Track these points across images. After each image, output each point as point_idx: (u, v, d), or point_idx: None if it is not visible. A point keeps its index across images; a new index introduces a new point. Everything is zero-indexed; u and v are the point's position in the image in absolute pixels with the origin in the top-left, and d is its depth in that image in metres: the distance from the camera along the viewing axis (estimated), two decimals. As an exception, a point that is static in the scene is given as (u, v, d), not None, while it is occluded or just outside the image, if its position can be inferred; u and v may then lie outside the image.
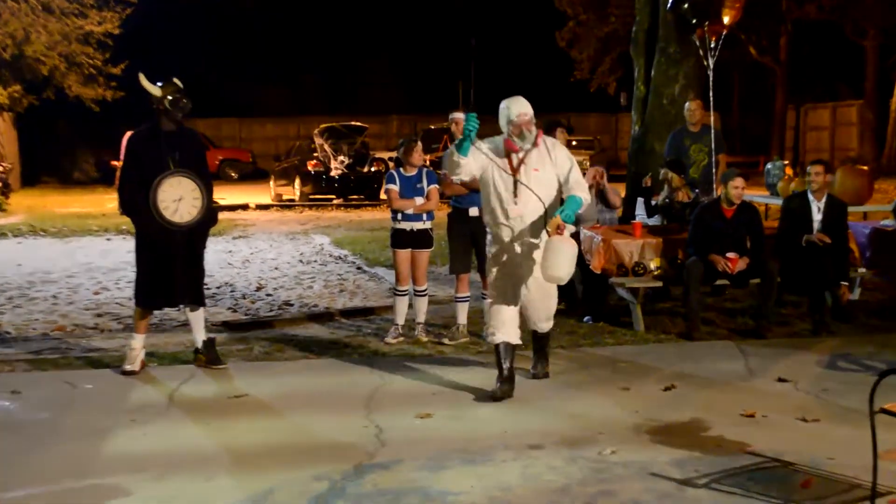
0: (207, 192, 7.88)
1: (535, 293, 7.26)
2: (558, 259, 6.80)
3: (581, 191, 7.01)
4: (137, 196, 7.78)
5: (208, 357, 8.10)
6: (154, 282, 7.88)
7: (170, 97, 7.77)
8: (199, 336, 8.16)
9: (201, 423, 6.60)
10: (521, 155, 7.04)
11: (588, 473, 5.48)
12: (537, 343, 7.67)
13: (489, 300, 7.33)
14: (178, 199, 7.78)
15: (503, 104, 7.08)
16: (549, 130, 11.96)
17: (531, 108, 7.03)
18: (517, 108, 7.01)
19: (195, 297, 8.07)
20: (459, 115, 9.07)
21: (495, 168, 7.08)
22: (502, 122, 7.05)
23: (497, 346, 7.24)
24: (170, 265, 7.85)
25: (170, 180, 7.76)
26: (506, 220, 7.11)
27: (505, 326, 7.20)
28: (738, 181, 9.27)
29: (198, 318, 8.15)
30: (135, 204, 7.81)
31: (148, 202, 7.71)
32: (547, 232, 6.93)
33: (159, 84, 7.85)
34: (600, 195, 10.45)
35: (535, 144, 7.03)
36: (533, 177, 7.03)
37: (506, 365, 7.18)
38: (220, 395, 7.34)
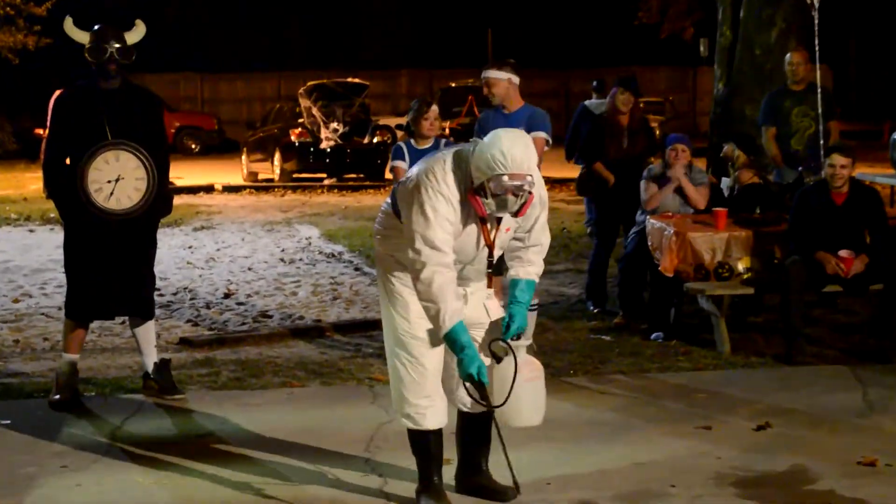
0: (157, 171, 7.89)
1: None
2: (520, 402, 5.76)
3: (536, 264, 5.99)
4: (66, 175, 7.82)
5: (161, 384, 8.12)
6: (89, 287, 7.90)
7: (90, 44, 7.79)
8: (150, 357, 8.18)
9: (152, 470, 6.60)
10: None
11: (656, 538, 5.50)
12: (482, 433, 6.21)
13: (402, 361, 5.99)
14: (115, 179, 7.79)
15: (494, 142, 5.57)
16: (601, 89, 11.92)
17: (536, 157, 5.67)
18: (515, 164, 5.51)
19: (142, 307, 8.09)
20: (496, 75, 9.07)
21: (463, 221, 5.73)
22: (481, 166, 5.56)
23: (427, 434, 5.98)
24: (108, 266, 7.87)
25: (104, 155, 7.78)
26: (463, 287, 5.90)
27: (438, 401, 5.99)
28: (838, 158, 9.21)
29: (147, 334, 8.17)
30: (62, 185, 7.85)
31: (76, 183, 7.75)
32: (495, 356, 5.81)
33: (96, 27, 7.87)
34: (678, 190, 10.35)
35: (516, 215, 5.71)
36: (505, 239, 5.92)
37: (435, 475, 6.02)
38: (176, 433, 7.36)
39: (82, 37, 7.86)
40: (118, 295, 7.96)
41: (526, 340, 5.94)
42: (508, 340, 5.80)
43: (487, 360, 5.79)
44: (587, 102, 11.88)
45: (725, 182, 11.10)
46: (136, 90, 8.09)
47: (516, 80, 9.14)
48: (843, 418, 7.55)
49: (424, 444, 5.96)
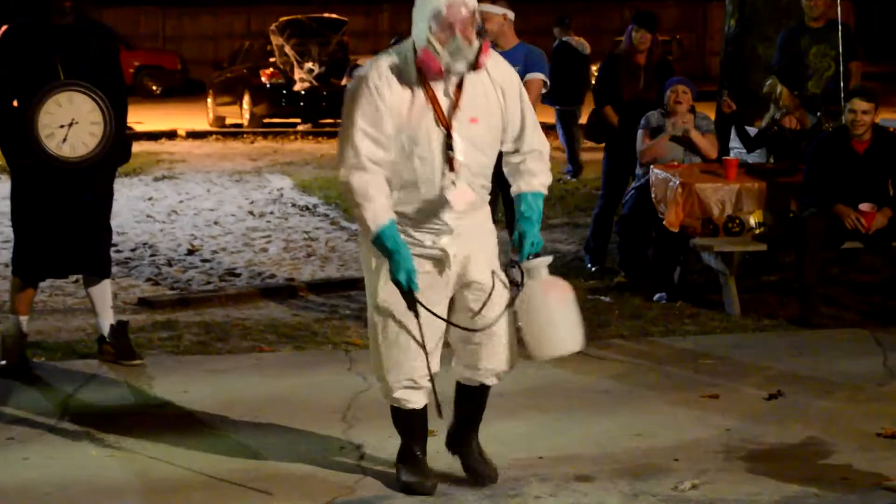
0: (115, 115, 7.86)
1: (491, 324, 5.84)
2: (554, 327, 5.73)
3: (539, 174, 5.85)
4: (14, 119, 7.78)
5: (118, 349, 8.13)
6: (39, 243, 7.88)
7: None
8: (106, 319, 8.17)
9: (107, 442, 6.61)
10: (450, 85, 5.61)
11: (657, 516, 5.52)
12: (476, 407, 6.15)
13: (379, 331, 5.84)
14: (68, 123, 7.76)
15: None
16: (563, 23, 11.58)
17: None
18: None
19: (97, 264, 8.07)
20: (490, 9, 9.04)
21: (409, 107, 5.59)
22: (419, 19, 5.58)
23: (411, 412, 5.94)
24: (60, 219, 7.85)
25: (56, 97, 7.74)
26: (436, 217, 5.70)
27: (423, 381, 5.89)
28: (859, 102, 9.20)
29: (102, 293, 8.16)
30: (8, 130, 7.82)
31: (25, 128, 7.71)
32: (515, 281, 5.79)
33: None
34: (685, 141, 10.23)
35: (475, 66, 5.58)
36: (474, 134, 5.65)
37: (418, 449, 6.01)
38: (133, 402, 7.37)
39: None
40: (71, 251, 7.94)
41: (546, 258, 5.83)
42: (524, 263, 5.74)
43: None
44: (566, 39, 11.77)
45: (752, 131, 11.00)
46: (91, 26, 8.05)
47: (512, 15, 9.11)
48: (862, 386, 7.58)
49: (408, 420, 5.95)
